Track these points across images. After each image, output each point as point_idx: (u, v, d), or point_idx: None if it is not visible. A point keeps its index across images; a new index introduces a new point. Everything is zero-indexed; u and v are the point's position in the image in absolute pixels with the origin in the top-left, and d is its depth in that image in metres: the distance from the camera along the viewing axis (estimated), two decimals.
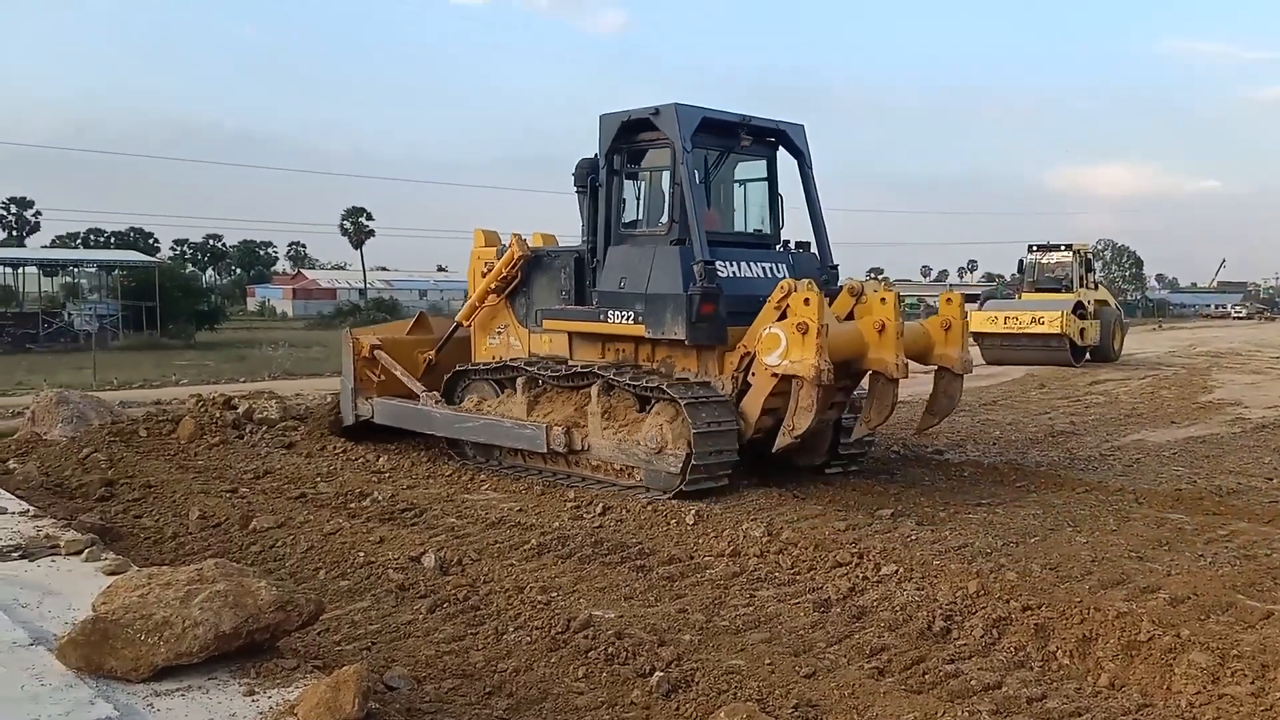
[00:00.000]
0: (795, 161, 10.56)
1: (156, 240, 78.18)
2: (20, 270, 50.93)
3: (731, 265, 9.54)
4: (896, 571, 6.45)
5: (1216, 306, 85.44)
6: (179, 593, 4.42)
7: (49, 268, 51.92)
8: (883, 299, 8.99)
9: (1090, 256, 28.14)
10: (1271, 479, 10.25)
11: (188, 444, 11.37)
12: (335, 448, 11.24)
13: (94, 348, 26.28)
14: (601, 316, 9.88)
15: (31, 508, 7.92)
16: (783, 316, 8.67)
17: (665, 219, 9.80)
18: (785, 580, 6.52)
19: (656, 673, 4.89)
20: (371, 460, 10.67)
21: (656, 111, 9.57)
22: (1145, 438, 13.17)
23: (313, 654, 4.96)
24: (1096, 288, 27.58)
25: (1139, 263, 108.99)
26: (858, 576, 6.44)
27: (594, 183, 10.28)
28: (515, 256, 10.92)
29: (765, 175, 10.64)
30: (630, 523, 8.00)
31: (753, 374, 8.95)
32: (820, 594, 6.20)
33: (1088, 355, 25.38)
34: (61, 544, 6.57)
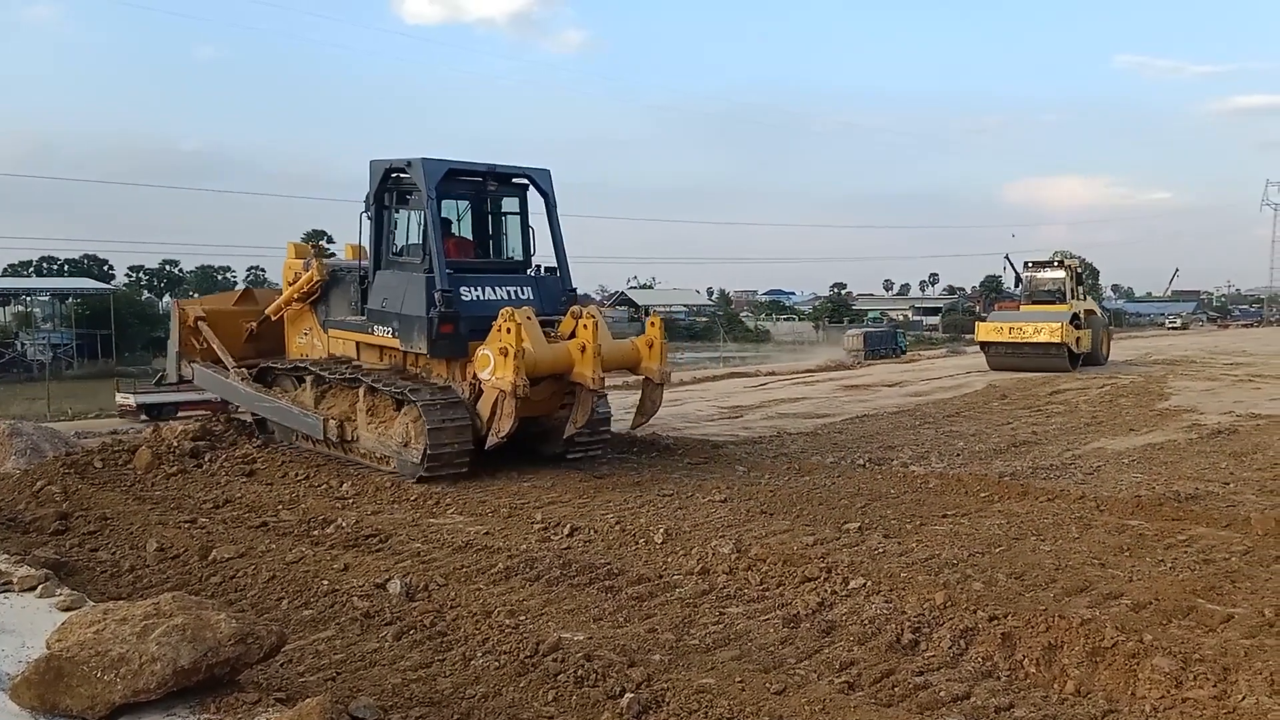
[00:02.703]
0: (543, 201, 12.26)
1: (111, 267, 76.90)
2: None
3: (478, 289, 11.34)
4: (864, 585, 6.47)
5: (1172, 316, 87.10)
6: (135, 628, 4.33)
7: (0, 297, 50.94)
8: (584, 324, 10.78)
9: (1080, 271, 30.55)
10: (1228, 484, 10.42)
11: (145, 474, 11.16)
12: (297, 474, 11.10)
13: (48, 378, 25.82)
14: (370, 329, 11.93)
15: None
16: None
17: (418, 252, 11.57)
18: (754, 597, 6.51)
19: (627, 694, 4.85)
20: (335, 486, 10.54)
21: (409, 164, 11.44)
22: (1105, 445, 13.35)
23: (275, 686, 4.87)
24: (1085, 299, 29.94)
25: (1095, 273, 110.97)
26: (826, 591, 6.46)
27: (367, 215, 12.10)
28: (314, 279, 12.85)
29: (518, 211, 12.49)
30: (598, 543, 7.95)
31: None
32: (789, 610, 6.19)
33: (1081, 361, 27.35)
34: (15, 580, 6.41)
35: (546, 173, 12.35)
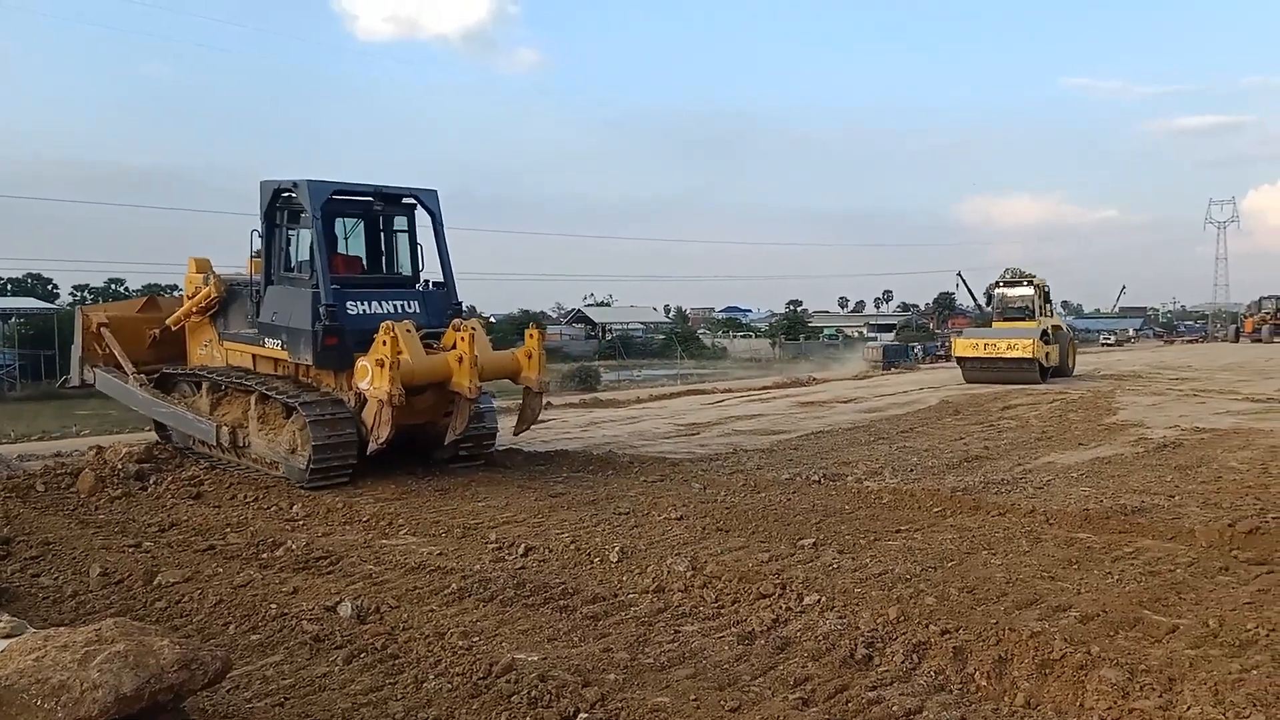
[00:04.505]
0: (430, 220, 12.79)
1: (55, 286, 75.36)
2: None
3: (364, 304, 11.86)
4: (819, 601, 6.50)
5: (1105, 333, 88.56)
6: (76, 654, 4.21)
7: None
8: (463, 337, 11.27)
9: (1047, 289, 32.18)
10: (1174, 497, 10.62)
11: (88, 498, 10.91)
12: (246, 496, 10.92)
13: None
14: (262, 342, 12.45)
15: None
16: None
17: (306, 268, 12.02)
18: (709, 614, 6.51)
19: (581, 714, 4.82)
20: (285, 508, 10.37)
21: (295, 185, 11.92)
22: (1055, 460, 13.56)
23: (221, 713, 4.78)
24: (1052, 315, 32.30)
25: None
26: (781, 607, 6.47)
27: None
28: (212, 295, 13.31)
29: (407, 229, 13.06)
30: (553, 562, 7.91)
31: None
32: (744, 626, 6.20)
33: (1050, 373, 29.20)
34: None
35: (433, 193, 12.90)
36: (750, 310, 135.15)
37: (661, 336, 78.10)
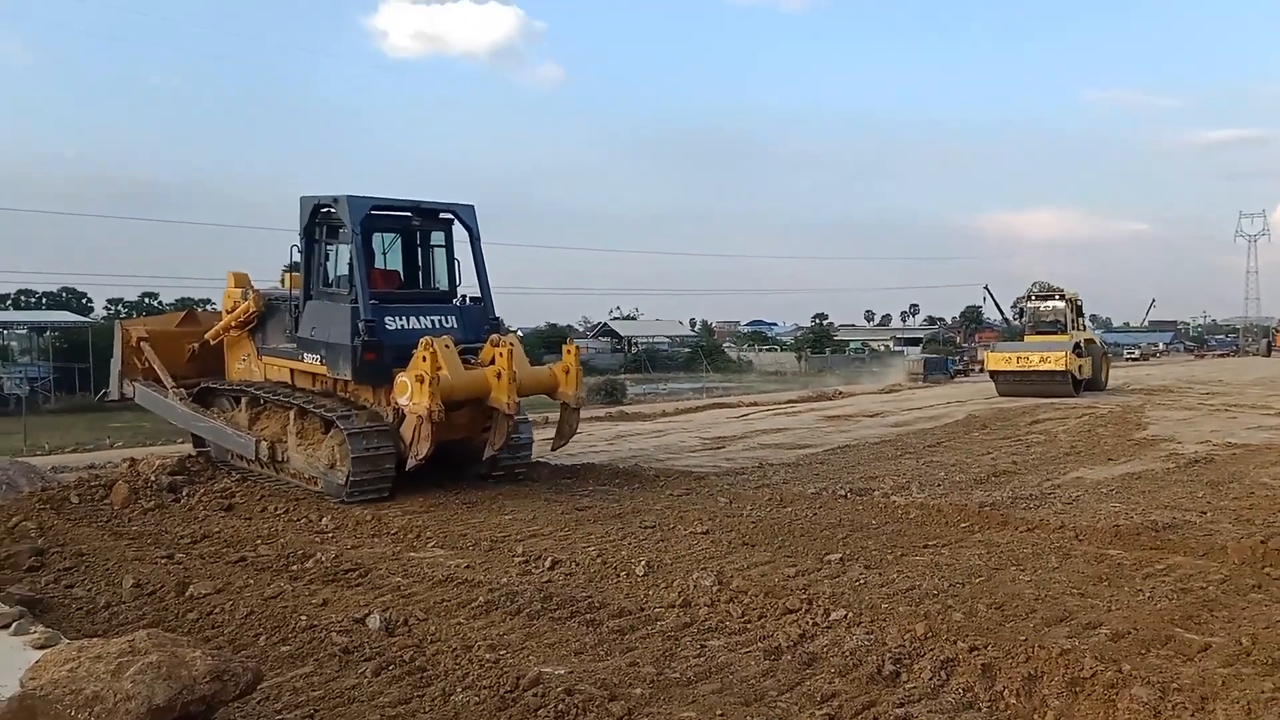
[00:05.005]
0: (468, 235, 12.76)
1: (89, 300, 76.32)
2: None
3: (403, 319, 11.85)
4: (846, 616, 6.48)
5: (1130, 347, 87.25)
6: (110, 666, 4.28)
7: None
8: (501, 353, 11.27)
9: (1080, 303, 32.12)
10: (1205, 513, 10.50)
11: (121, 509, 11.05)
12: (276, 508, 11.02)
13: (24, 411, 25.56)
14: (301, 356, 12.48)
15: None
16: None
17: (345, 283, 12.09)
18: (736, 629, 6.50)
19: None
20: (314, 520, 10.47)
21: (335, 200, 11.99)
22: (1084, 475, 13.43)
23: None
24: (1085, 329, 32.54)
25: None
26: (808, 623, 6.45)
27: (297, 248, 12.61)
28: (251, 309, 13.41)
29: (444, 244, 13.05)
30: (580, 576, 7.93)
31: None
32: (771, 642, 6.18)
33: (1083, 386, 29.14)
34: None
35: (471, 208, 12.86)
36: (776, 324, 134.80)
37: (687, 350, 78.06)
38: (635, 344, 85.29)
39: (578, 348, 12.99)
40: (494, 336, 11.85)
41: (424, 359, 10.80)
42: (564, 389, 12.30)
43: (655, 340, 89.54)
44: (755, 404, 28.83)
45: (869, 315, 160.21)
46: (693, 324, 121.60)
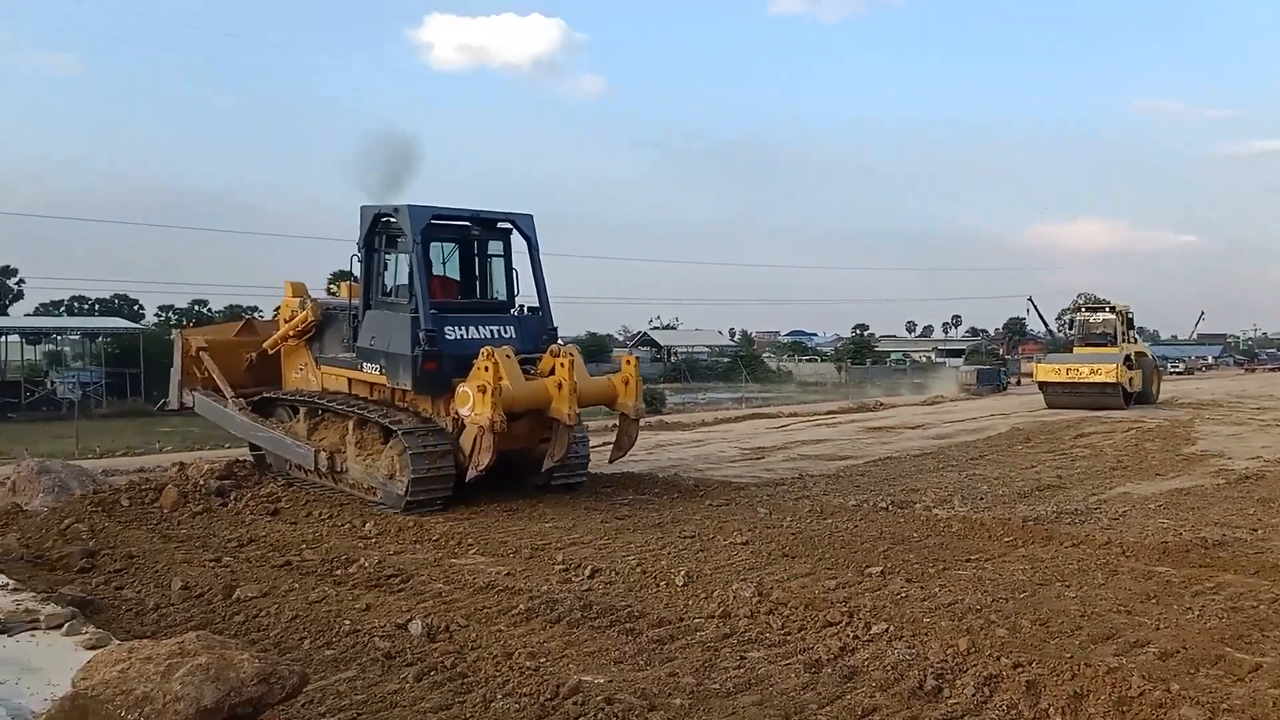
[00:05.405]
0: (526, 244, 12.80)
1: (141, 307, 77.79)
2: (3, 339, 50.68)
3: (462, 329, 11.83)
4: (887, 630, 6.43)
5: (1174, 360, 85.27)
6: (160, 667, 4.36)
7: (31, 336, 51.62)
8: (562, 363, 11.26)
9: (1131, 315, 31.76)
10: (1256, 530, 10.29)
11: (171, 512, 11.26)
12: (320, 513, 11.17)
13: (76, 416, 26.07)
14: (360, 366, 12.47)
15: (10, 581, 7.83)
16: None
17: (405, 293, 12.07)
18: (776, 641, 6.48)
19: None
20: (358, 526, 10.59)
21: (396, 210, 12.05)
22: (1131, 490, 13.21)
23: None
24: (1135, 341, 31.94)
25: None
26: (848, 636, 6.41)
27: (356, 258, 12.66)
28: (309, 319, 13.52)
29: (502, 254, 13.02)
30: (619, 585, 7.94)
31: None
32: (811, 654, 6.15)
33: (1134, 399, 28.75)
34: (41, 618, 6.48)
35: (529, 218, 12.87)
36: (816, 334, 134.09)
37: (726, 360, 77.85)
38: (675, 353, 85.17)
39: (637, 359, 12.91)
40: (554, 347, 11.84)
41: (485, 369, 10.80)
42: (623, 400, 12.22)
43: (694, 350, 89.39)
44: (795, 414, 28.69)
45: (910, 326, 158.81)
46: (732, 334, 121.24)
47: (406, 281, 12.12)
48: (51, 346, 53.28)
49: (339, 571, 8.55)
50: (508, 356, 11.09)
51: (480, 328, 12.01)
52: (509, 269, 13.07)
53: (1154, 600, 7.43)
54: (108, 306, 70.96)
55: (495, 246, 13.06)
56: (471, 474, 11.02)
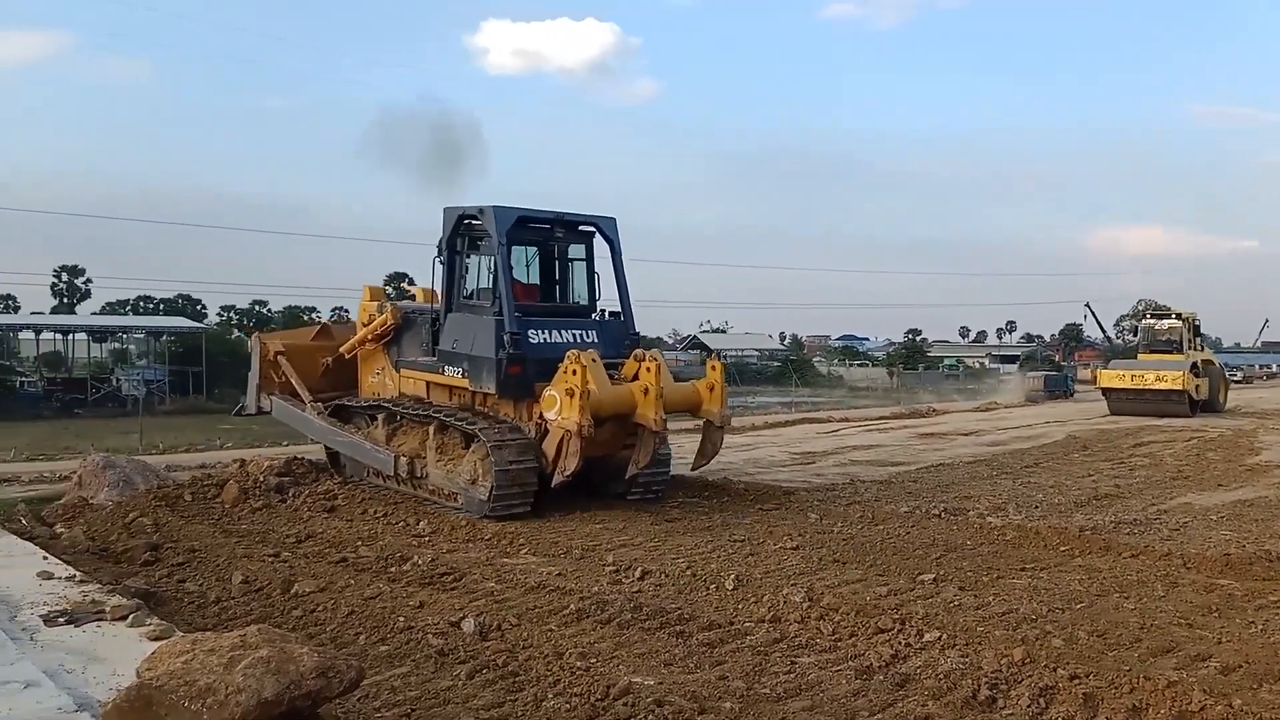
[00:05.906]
0: (609, 248, 12.66)
1: (204, 307, 79.49)
2: (70, 336, 52.19)
3: (545, 332, 11.69)
4: (940, 638, 6.37)
5: (1259, 366, 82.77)
6: (222, 659, 4.46)
7: (98, 334, 53.11)
8: (647, 368, 11.10)
9: (1197, 323, 31.36)
10: None
11: (232, 508, 11.52)
12: (376, 511, 11.34)
13: (141, 412, 26.76)
14: (441, 369, 12.34)
15: (78, 573, 8.06)
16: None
17: (488, 295, 11.96)
18: (826, 647, 6.45)
19: None
20: (412, 524, 10.74)
21: (481, 211, 11.98)
22: (1192, 501, 12.92)
23: None
24: (1202, 349, 31.60)
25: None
26: (900, 643, 6.36)
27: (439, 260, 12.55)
28: (388, 322, 13.46)
29: (584, 257, 12.87)
30: (669, 587, 7.96)
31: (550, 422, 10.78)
32: (862, 661, 6.12)
33: (1200, 407, 28.29)
34: (107, 609, 6.66)
35: (612, 221, 12.76)
36: (867, 339, 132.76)
37: (776, 364, 77.43)
38: (724, 357, 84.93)
39: (723, 364, 12.60)
40: (638, 351, 11.63)
41: (573, 372, 10.57)
42: (708, 406, 11.94)
43: (744, 354, 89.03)
44: (846, 419, 28.47)
45: (964, 331, 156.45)
46: (782, 338, 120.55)
47: (489, 284, 12.04)
48: (117, 344, 54.79)
49: (393, 568, 8.68)
50: (594, 360, 10.91)
51: (563, 331, 11.86)
52: (591, 272, 12.88)
53: (1216, 613, 7.26)
54: (172, 306, 72.64)
55: (577, 250, 12.91)
56: (557, 480, 10.79)
